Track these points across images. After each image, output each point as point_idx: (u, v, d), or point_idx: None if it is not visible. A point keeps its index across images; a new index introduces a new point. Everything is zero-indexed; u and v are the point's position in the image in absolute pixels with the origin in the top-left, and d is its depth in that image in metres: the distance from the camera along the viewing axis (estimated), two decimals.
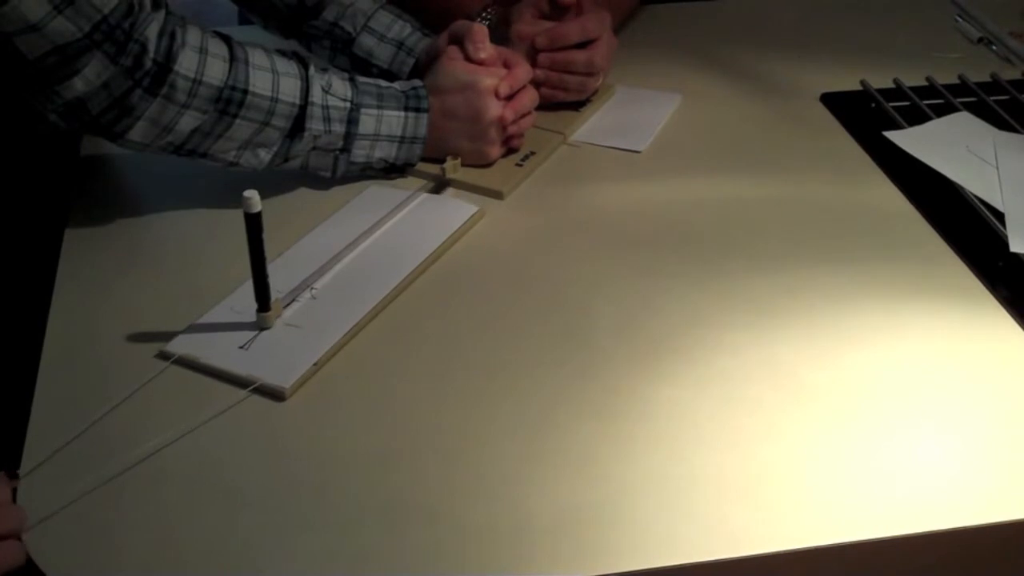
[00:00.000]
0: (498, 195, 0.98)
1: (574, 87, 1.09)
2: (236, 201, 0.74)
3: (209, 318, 0.80)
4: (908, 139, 1.06)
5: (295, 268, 0.85)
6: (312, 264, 0.86)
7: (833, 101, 1.15)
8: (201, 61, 0.84)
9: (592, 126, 1.10)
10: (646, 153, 1.06)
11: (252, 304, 0.79)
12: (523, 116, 1.01)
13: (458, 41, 1.00)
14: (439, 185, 0.99)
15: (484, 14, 1.11)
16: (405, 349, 0.79)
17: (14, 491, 0.66)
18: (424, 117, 0.96)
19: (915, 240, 0.93)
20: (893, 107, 1.12)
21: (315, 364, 0.76)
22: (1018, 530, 0.67)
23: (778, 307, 0.84)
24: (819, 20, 1.36)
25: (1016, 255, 0.90)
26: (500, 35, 1.05)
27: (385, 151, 0.96)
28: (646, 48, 1.26)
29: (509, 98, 0.99)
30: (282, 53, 0.92)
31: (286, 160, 0.92)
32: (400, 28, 1.06)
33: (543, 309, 0.84)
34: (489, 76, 0.97)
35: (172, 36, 0.83)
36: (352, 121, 0.93)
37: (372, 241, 0.89)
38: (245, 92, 0.87)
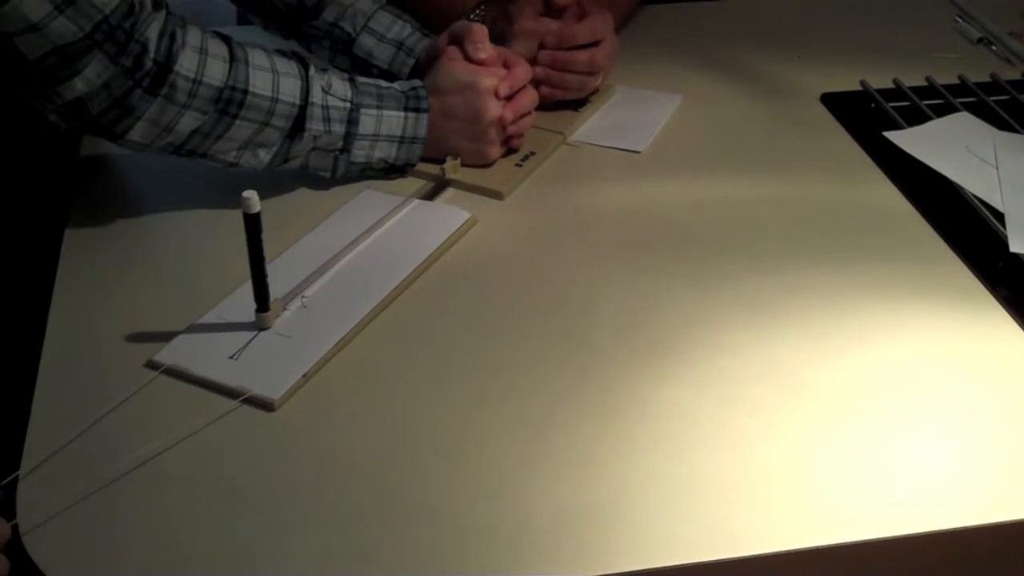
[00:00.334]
0: (498, 195, 0.98)
1: (574, 86, 1.09)
2: (236, 201, 0.74)
3: (208, 318, 0.80)
4: (908, 139, 1.06)
5: (285, 275, 0.83)
6: (302, 272, 0.84)
7: (833, 101, 1.15)
8: (201, 61, 0.84)
9: (592, 126, 1.10)
10: (646, 153, 1.06)
11: (247, 307, 0.79)
12: (523, 116, 1.01)
13: (458, 41, 1.00)
14: (439, 185, 0.99)
15: (477, 11, 1.11)
16: (405, 349, 0.79)
17: (12, 495, 0.66)
18: (424, 117, 0.96)
19: (915, 240, 0.93)
20: (893, 107, 1.12)
21: (305, 375, 0.75)
22: (1018, 530, 0.67)
23: (778, 307, 0.84)
24: (819, 20, 1.36)
25: (1016, 255, 0.90)
26: (495, 32, 1.05)
27: (385, 151, 0.97)
28: (646, 48, 1.26)
29: (509, 98, 0.99)
30: (282, 53, 0.92)
31: (286, 160, 0.92)
32: (400, 28, 1.06)
33: (543, 309, 0.84)
34: (489, 76, 0.97)
35: (172, 36, 0.83)
36: (352, 121, 0.93)
37: (363, 248, 0.89)
38: (245, 92, 0.87)
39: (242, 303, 0.80)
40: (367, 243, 0.89)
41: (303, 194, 0.97)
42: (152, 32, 0.82)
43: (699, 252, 0.91)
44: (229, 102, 0.86)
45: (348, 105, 0.93)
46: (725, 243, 0.92)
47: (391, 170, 0.98)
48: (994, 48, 1.28)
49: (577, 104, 1.11)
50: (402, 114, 0.96)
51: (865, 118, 1.12)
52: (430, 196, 0.97)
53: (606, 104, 1.14)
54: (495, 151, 1.00)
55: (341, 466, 0.69)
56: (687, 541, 0.64)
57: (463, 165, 0.99)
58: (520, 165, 1.01)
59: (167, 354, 0.77)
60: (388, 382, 0.76)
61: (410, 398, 0.75)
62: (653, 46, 1.27)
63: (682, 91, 1.16)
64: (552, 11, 1.07)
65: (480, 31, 0.99)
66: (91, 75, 0.80)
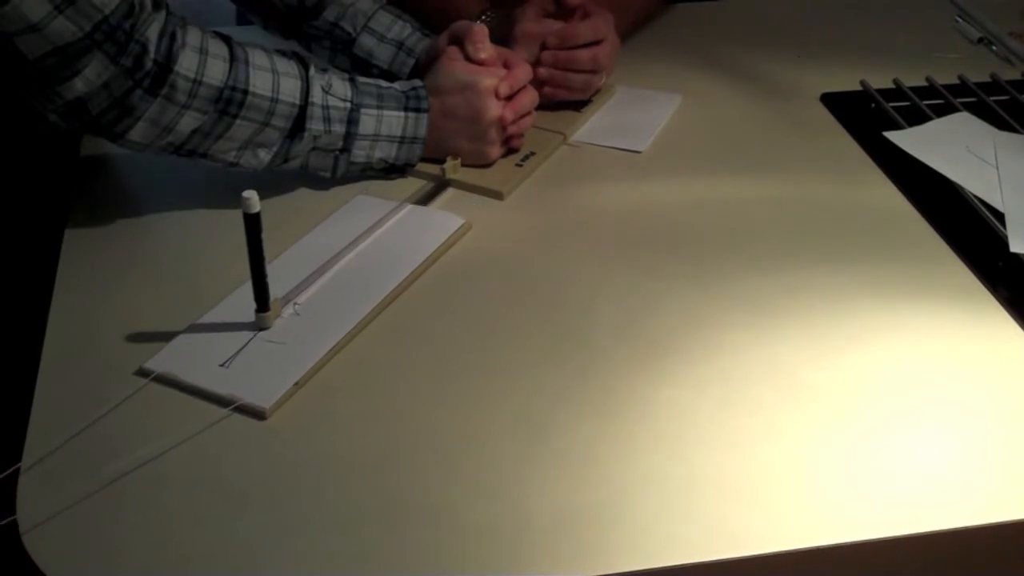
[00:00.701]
0: (498, 195, 0.98)
1: (578, 86, 1.09)
2: (236, 201, 0.74)
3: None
4: (908, 139, 1.06)
5: (277, 282, 0.81)
6: (295, 278, 0.84)
7: (833, 101, 1.15)
8: (201, 61, 0.84)
9: (592, 126, 1.10)
10: (646, 153, 1.06)
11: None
12: (523, 116, 1.01)
13: (458, 41, 1.00)
14: (439, 185, 0.99)
15: (484, 16, 1.11)
16: (405, 349, 0.79)
17: (12, 489, 0.66)
18: (424, 117, 0.96)
19: (915, 240, 0.93)
20: (893, 107, 1.12)
21: (296, 383, 0.74)
22: (1018, 530, 0.67)
23: (778, 307, 0.84)
24: (819, 20, 1.36)
25: (1016, 255, 0.90)
26: (500, 37, 1.05)
27: (385, 151, 0.96)
28: (646, 48, 1.26)
29: (509, 98, 0.99)
30: (282, 53, 0.92)
31: (286, 160, 0.92)
32: (400, 28, 1.06)
33: (543, 309, 0.84)
34: (489, 76, 0.97)
35: (172, 37, 0.83)
36: (352, 121, 0.93)
37: (356, 255, 0.88)
38: (245, 92, 0.87)
39: (242, 303, 0.80)
40: (360, 249, 0.88)
41: (303, 194, 0.97)
42: (152, 32, 0.82)
43: (699, 252, 0.91)
44: (229, 102, 0.86)
45: (348, 105, 0.93)
46: (725, 243, 0.92)
47: (391, 170, 0.98)
48: (994, 48, 1.28)
49: (578, 104, 1.11)
50: (402, 114, 0.96)
51: (865, 118, 1.12)
52: (428, 198, 0.97)
53: (606, 104, 1.14)
54: (495, 151, 1.00)
55: (341, 466, 0.69)
56: (687, 541, 0.64)
57: (463, 165, 0.99)
58: (520, 165, 1.01)
59: (158, 361, 0.76)
60: (388, 381, 0.76)
61: (410, 398, 0.75)
62: (653, 46, 1.27)
63: (682, 91, 1.16)
64: (562, 11, 1.07)
65: (480, 31, 0.99)
66: (91, 75, 0.80)
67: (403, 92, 0.97)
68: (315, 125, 0.91)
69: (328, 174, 0.96)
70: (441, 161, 0.99)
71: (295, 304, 0.81)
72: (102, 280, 0.86)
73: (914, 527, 0.66)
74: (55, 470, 0.68)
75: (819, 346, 0.80)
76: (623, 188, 1.00)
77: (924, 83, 1.17)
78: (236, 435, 0.71)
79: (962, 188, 0.99)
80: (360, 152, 0.95)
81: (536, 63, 1.06)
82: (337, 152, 0.94)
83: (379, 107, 0.95)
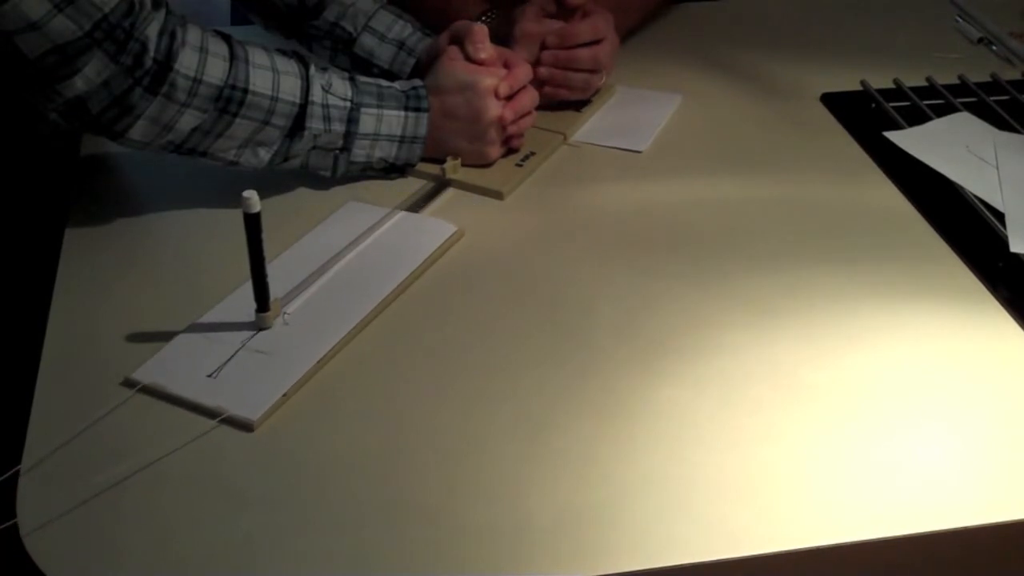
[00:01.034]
0: (498, 195, 0.98)
1: (578, 85, 1.09)
2: (236, 201, 0.74)
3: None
4: (908, 139, 1.06)
5: (249, 304, 0.80)
6: (283, 287, 0.83)
7: (833, 101, 1.15)
8: (201, 60, 0.84)
9: (593, 126, 1.10)
10: (646, 153, 1.06)
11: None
12: (523, 116, 1.01)
13: (458, 41, 1.00)
14: (439, 185, 0.99)
15: (485, 17, 1.11)
16: (406, 348, 0.79)
17: (12, 490, 0.66)
18: (424, 117, 0.96)
19: (915, 240, 0.93)
20: (893, 107, 1.12)
21: (284, 395, 0.73)
22: (1018, 530, 0.67)
23: (778, 307, 0.84)
24: (819, 20, 1.36)
25: (1016, 255, 0.90)
26: (500, 37, 1.05)
27: (385, 151, 0.96)
28: (646, 48, 1.26)
29: (509, 98, 0.99)
30: (282, 52, 0.92)
31: (286, 159, 0.92)
32: (401, 28, 1.06)
33: (543, 309, 0.84)
34: (489, 76, 0.97)
35: (172, 35, 0.83)
36: (352, 120, 0.93)
37: (346, 263, 0.87)
38: (245, 91, 0.87)
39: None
40: (349, 258, 0.87)
41: (303, 194, 0.97)
42: (152, 31, 0.82)
43: (699, 252, 0.91)
44: (229, 101, 0.86)
45: (348, 104, 0.93)
46: (725, 243, 0.92)
47: (391, 169, 0.98)
48: (994, 48, 1.28)
49: (578, 104, 1.11)
50: (402, 113, 0.96)
51: (865, 118, 1.12)
52: (427, 198, 0.97)
53: (607, 104, 1.14)
54: (495, 151, 1.00)
55: (341, 466, 0.69)
56: (687, 541, 0.64)
57: (463, 165, 0.99)
58: (520, 165, 1.01)
59: (145, 372, 0.75)
60: (389, 381, 0.76)
61: (411, 398, 0.75)
62: (653, 46, 1.27)
63: (682, 91, 1.16)
64: (562, 11, 1.07)
65: (481, 31, 0.99)
66: (91, 74, 0.80)
67: (403, 91, 0.97)
68: (315, 124, 0.91)
69: (328, 173, 0.96)
70: (441, 161, 0.99)
71: (284, 314, 0.81)
72: (102, 280, 0.86)
73: (914, 527, 0.66)
74: (55, 471, 0.68)
75: (819, 346, 0.80)
76: (623, 188, 1.00)
77: (924, 83, 1.17)
78: (236, 436, 0.71)
79: (962, 188, 0.99)
80: (360, 151, 0.95)
81: (536, 63, 1.06)
82: (337, 151, 0.94)
83: (379, 106, 0.94)
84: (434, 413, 0.74)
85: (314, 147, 0.93)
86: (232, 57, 0.86)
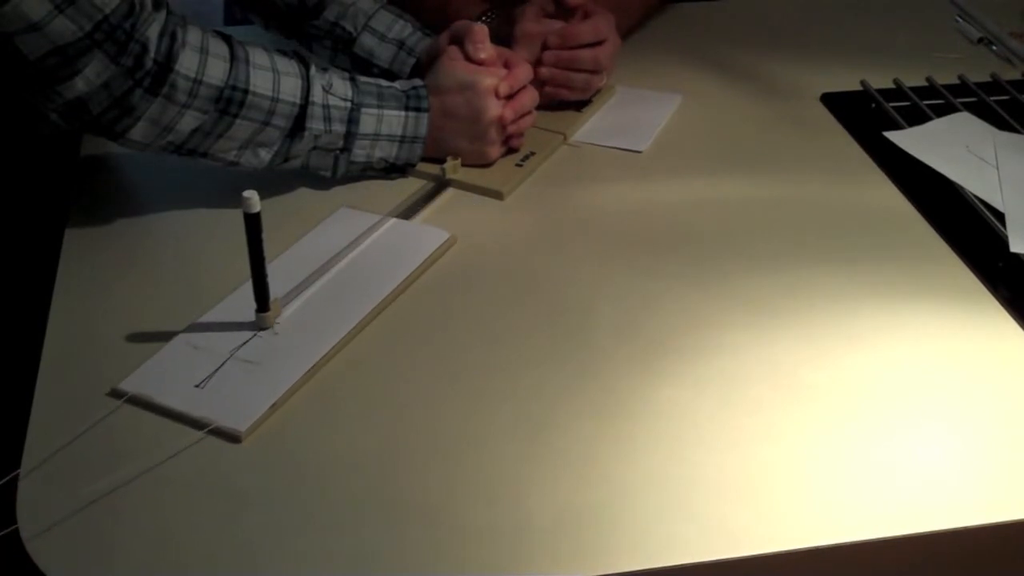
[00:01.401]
0: (498, 195, 0.98)
1: (579, 85, 1.09)
2: (236, 201, 0.74)
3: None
4: (908, 139, 1.06)
5: (244, 310, 0.80)
6: (274, 294, 0.80)
7: (833, 101, 1.15)
8: (202, 61, 0.84)
9: (593, 126, 1.10)
10: (646, 153, 1.06)
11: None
12: (523, 116, 1.01)
13: (458, 41, 1.00)
14: (439, 185, 0.99)
15: (484, 17, 1.11)
16: (406, 347, 0.79)
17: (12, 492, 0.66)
18: (425, 117, 0.96)
19: (915, 240, 0.93)
20: (893, 107, 1.12)
21: (273, 405, 0.72)
22: (1018, 530, 0.67)
23: (778, 307, 0.84)
24: (819, 20, 1.36)
25: (1016, 255, 0.90)
26: (500, 37, 1.05)
27: (386, 151, 0.96)
28: (646, 48, 1.26)
29: (509, 98, 0.99)
30: (283, 52, 0.92)
31: (286, 160, 0.92)
32: (401, 28, 1.06)
33: (543, 309, 0.84)
34: (489, 76, 0.97)
35: (173, 36, 0.83)
36: (352, 121, 0.93)
37: (336, 273, 0.86)
38: (246, 92, 0.87)
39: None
40: (340, 267, 0.86)
41: (303, 194, 0.97)
42: (152, 32, 0.82)
43: (699, 252, 0.91)
44: (230, 101, 0.86)
45: (349, 104, 0.93)
46: (725, 243, 0.92)
47: (392, 169, 0.98)
48: (994, 48, 1.28)
49: (578, 104, 1.11)
50: (403, 113, 0.96)
51: (865, 118, 1.12)
52: (427, 198, 0.97)
53: (607, 104, 1.14)
54: (495, 151, 1.00)
55: (341, 466, 0.69)
56: (687, 541, 0.64)
57: (463, 165, 0.99)
58: (520, 165, 1.01)
59: (132, 382, 0.74)
60: (389, 380, 0.76)
61: (411, 397, 0.75)
62: (653, 46, 1.27)
63: (682, 91, 1.16)
64: (563, 11, 1.07)
65: (481, 31, 0.99)
66: (91, 75, 0.80)
67: (404, 91, 0.97)
68: (315, 124, 0.91)
69: (328, 173, 0.96)
70: (441, 161, 0.99)
71: (275, 323, 0.80)
72: (102, 280, 0.86)
73: (914, 527, 0.66)
74: (56, 474, 0.68)
75: (819, 346, 0.80)
76: (623, 188, 1.00)
77: (924, 83, 1.17)
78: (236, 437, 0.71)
79: (962, 188, 0.99)
80: (361, 151, 0.95)
81: (537, 63, 1.06)
82: (338, 151, 0.94)
83: (380, 106, 0.94)
84: (434, 413, 0.74)
85: (314, 147, 0.93)
86: (232, 58, 0.86)
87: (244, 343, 0.78)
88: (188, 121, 0.85)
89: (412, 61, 1.05)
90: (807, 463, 0.70)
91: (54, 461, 0.69)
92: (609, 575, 0.62)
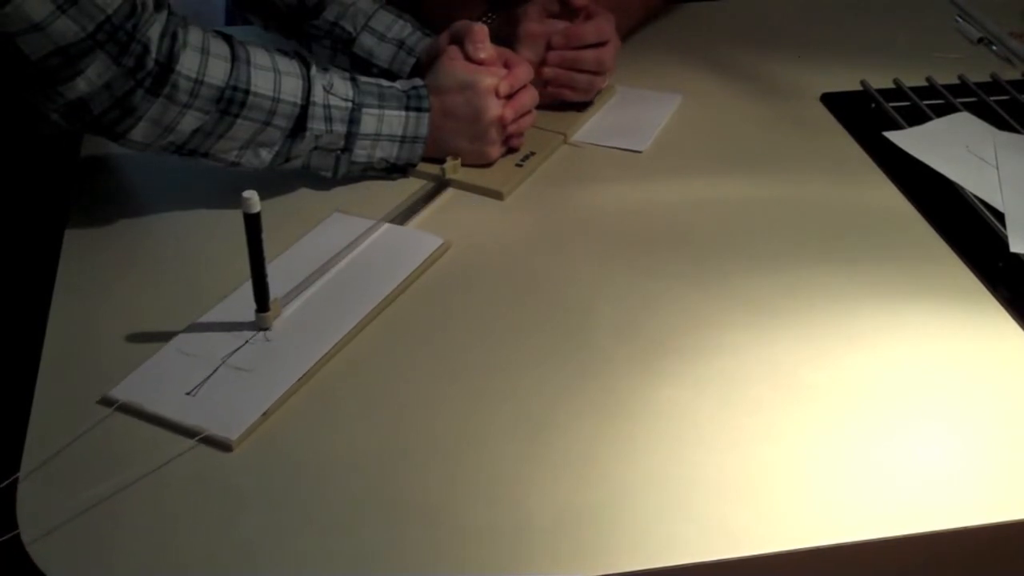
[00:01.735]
0: (498, 195, 0.98)
1: (582, 86, 1.09)
2: (236, 201, 0.74)
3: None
4: (908, 139, 1.06)
5: (242, 310, 0.80)
6: (271, 296, 0.79)
7: (833, 101, 1.15)
8: (203, 61, 0.84)
9: (593, 126, 1.10)
10: (646, 153, 1.06)
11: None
12: (523, 115, 1.01)
13: (459, 41, 1.00)
14: (439, 185, 0.99)
15: (484, 19, 1.11)
16: (406, 349, 0.79)
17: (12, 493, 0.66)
18: (425, 117, 0.96)
19: (915, 240, 0.93)
20: (893, 107, 1.12)
21: (264, 414, 0.72)
22: (1018, 530, 0.67)
23: (778, 307, 0.84)
24: (819, 20, 1.36)
25: (1016, 255, 0.90)
26: (501, 38, 1.05)
27: (386, 151, 0.96)
28: (646, 48, 1.26)
29: (509, 97, 0.99)
30: (284, 53, 0.91)
31: (287, 160, 0.92)
32: (400, 28, 1.06)
33: (543, 309, 0.84)
34: (489, 76, 0.97)
35: (174, 37, 0.83)
36: (353, 121, 0.93)
37: (329, 279, 0.85)
38: (247, 92, 0.87)
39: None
40: (333, 273, 0.86)
41: (304, 195, 0.97)
42: (154, 32, 0.82)
43: (699, 252, 0.91)
44: (231, 102, 0.86)
45: (350, 105, 0.93)
46: (725, 243, 0.92)
47: (393, 169, 0.98)
48: (994, 48, 1.28)
49: (579, 105, 1.11)
50: (403, 113, 0.96)
51: (865, 118, 1.12)
52: (422, 203, 0.96)
53: (607, 104, 1.14)
54: (495, 151, 1.00)
55: (341, 467, 0.69)
56: (687, 541, 0.64)
57: (463, 165, 0.99)
58: (520, 165, 1.01)
59: (123, 389, 0.73)
60: (389, 381, 0.76)
61: (410, 397, 0.75)
62: (653, 46, 1.27)
63: (682, 91, 1.16)
64: (566, 11, 1.07)
65: (481, 30, 0.99)
66: (93, 75, 0.80)
67: (404, 91, 0.97)
68: (316, 124, 0.91)
69: (329, 174, 0.96)
70: (441, 161, 0.99)
71: (265, 328, 0.80)
72: (102, 280, 0.86)
73: (914, 527, 0.66)
74: (56, 477, 0.68)
75: (819, 346, 0.80)
76: (623, 188, 1.00)
77: (924, 83, 1.17)
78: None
79: (962, 188, 0.99)
80: (362, 152, 0.95)
81: (541, 63, 1.06)
82: (339, 152, 0.94)
83: (380, 106, 0.95)
84: (434, 413, 0.74)
85: (315, 148, 0.93)
86: (233, 58, 0.86)
87: (236, 350, 0.77)
88: (189, 121, 0.85)
89: (412, 61, 1.05)
90: (807, 463, 0.70)
91: (54, 465, 0.69)
92: (609, 575, 0.62)
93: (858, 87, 1.17)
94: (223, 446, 0.70)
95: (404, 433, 0.72)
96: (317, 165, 0.95)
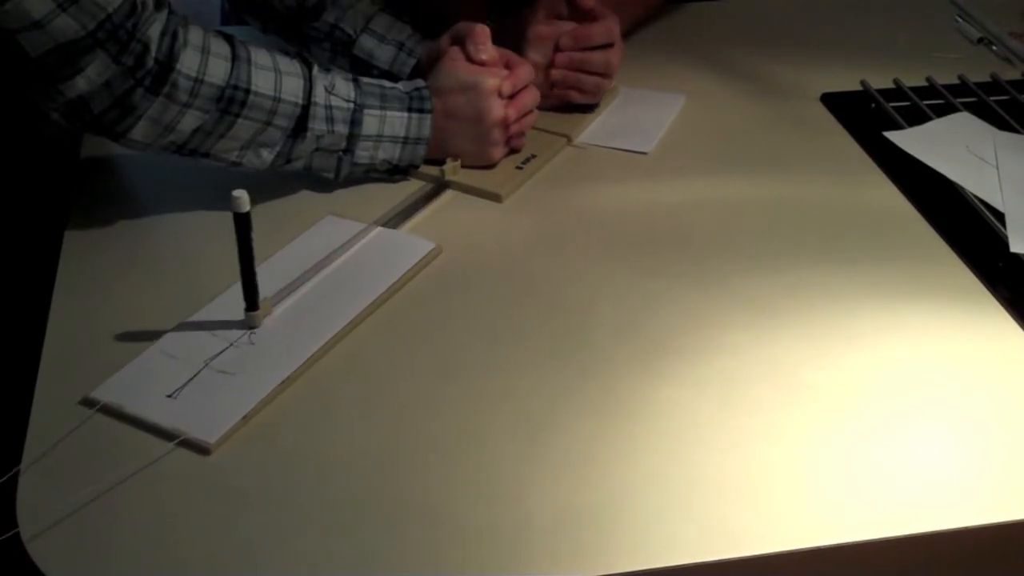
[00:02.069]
0: (496, 198, 0.97)
1: (589, 88, 1.09)
2: None
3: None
4: (908, 139, 1.06)
5: (233, 309, 0.80)
6: (262, 296, 0.80)
7: (833, 101, 1.15)
8: (203, 60, 0.84)
9: (597, 127, 1.10)
10: (648, 154, 1.06)
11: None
12: (525, 115, 1.00)
13: (460, 42, 1.00)
14: (438, 187, 0.99)
15: (485, 23, 1.11)
16: (406, 347, 0.79)
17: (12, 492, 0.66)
18: (427, 118, 0.96)
19: (915, 240, 0.93)
20: (893, 107, 1.12)
21: (244, 417, 0.71)
22: (1019, 530, 0.67)
23: (778, 307, 0.84)
24: (819, 20, 1.36)
25: (1016, 255, 0.90)
26: (502, 39, 1.05)
27: (388, 152, 0.96)
28: (646, 47, 1.26)
29: (511, 97, 0.98)
30: (285, 52, 0.91)
31: (289, 161, 0.92)
32: (400, 29, 1.06)
33: (543, 309, 0.84)
34: (492, 77, 0.97)
35: (174, 35, 0.83)
36: (355, 122, 0.93)
37: (318, 282, 0.85)
38: (247, 91, 0.87)
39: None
40: (322, 276, 0.85)
41: (304, 196, 0.97)
42: (154, 31, 0.82)
43: (699, 252, 0.91)
44: (231, 101, 0.86)
45: (351, 106, 0.92)
46: (725, 243, 0.92)
47: (395, 171, 0.98)
48: (994, 48, 1.28)
49: (585, 108, 1.11)
50: (406, 115, 0.95)
51: (865, 118, 1.12)
52: (425, 199, 0.97)
53: (611, 105, 1.14)
54: (499, 152, 1.00)
55: (341, 466, 0.69)
56: (687, 541, 0.64)
57: (465, 166, 0.99)
58: (521, 168, 1.01)
59: (105, 391, 0.73)
60: (390, 380, 0.76)
61: (411, 397, 0.75)
62: (653, 46, 1.27)
63: (683, 91, 1.16)
64: (574, 13, 1.07)
65: (482, 31, 0.99)
66: (92, 74, 0.80)
67: (406, 93, 0.96)
68: (318, 125, 0.91)
69: (331, 175, 0.96)
70: (441, 162, 0.99)
71: (251, 332, 0.79)
72: (102, 280, 0.86)
73: (914, 527, 0.66)
74: (55, 475, 0.68)
75: (819, 346, 0.80)
76: (624, 189, 1.00)
77: (924, 83, 1.17)
78: (236, 437, 0.71)
79: (962, 188, 0.99)
80: (364, 153, 0.95)
81: (548, 65, 1.06)
82: (340, 153, 0.94)
83: (382, 108, 0.94)
84: (434, 413, 0.74)
85: (317, 149, 0.93)
86: (234, 57, 0.86)
87: (220, 352, 0.77)
88: (189, 121, 0.85)
89: (412, 62, 1.05)
90: (807, 463, 0.70)
91: (54, 463, 0.69)
92: (609, 575, 0.62)
93: (858, 87, 1.17)
94: (202, 449, 0.70)
95: (404, 432, 0.72)
96: (319, 166, 0.94)
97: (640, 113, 1.12)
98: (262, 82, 0.87)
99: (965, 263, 0.90)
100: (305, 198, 0.96)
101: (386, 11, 1.07)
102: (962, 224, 0.95)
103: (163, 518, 0.65)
